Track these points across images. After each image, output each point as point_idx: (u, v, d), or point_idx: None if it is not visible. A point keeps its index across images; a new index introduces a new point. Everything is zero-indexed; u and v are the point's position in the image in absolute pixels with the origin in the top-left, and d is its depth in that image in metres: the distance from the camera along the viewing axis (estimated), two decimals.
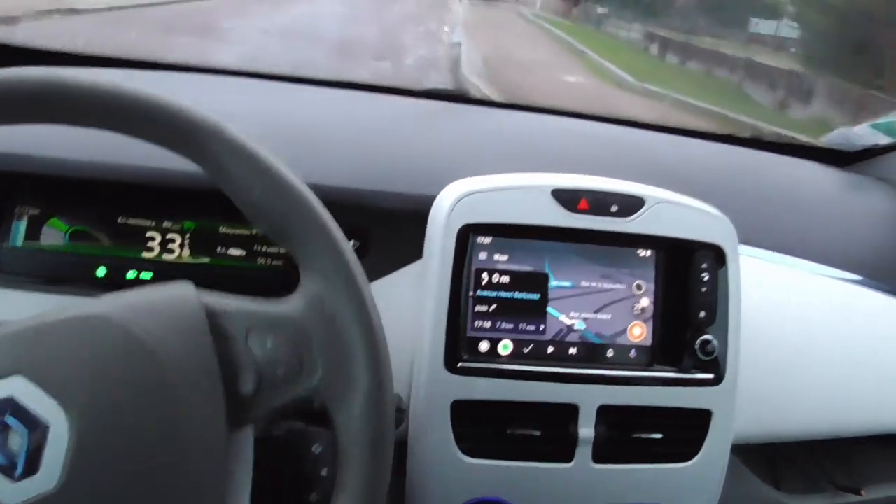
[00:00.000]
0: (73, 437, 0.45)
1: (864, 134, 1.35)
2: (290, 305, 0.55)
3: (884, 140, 1.30)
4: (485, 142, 1.09)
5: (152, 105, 0.54)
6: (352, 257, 0.56)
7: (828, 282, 0.99)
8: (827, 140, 1.41)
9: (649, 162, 1.13)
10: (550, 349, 0.80)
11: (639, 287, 0.83)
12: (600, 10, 14.88)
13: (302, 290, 0.56)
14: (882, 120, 1.33)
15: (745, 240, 0.87)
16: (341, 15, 9.75)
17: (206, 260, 0.84)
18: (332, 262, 0.55)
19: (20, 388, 0.46)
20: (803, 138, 1.43)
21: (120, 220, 0.82)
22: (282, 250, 0.84)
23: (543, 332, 0.80)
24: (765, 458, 1.08)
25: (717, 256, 0.83)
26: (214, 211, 0.83)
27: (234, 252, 0.84)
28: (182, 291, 0.54)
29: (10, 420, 0.45)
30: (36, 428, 0.45)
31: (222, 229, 0.84)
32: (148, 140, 0.55)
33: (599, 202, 0.80)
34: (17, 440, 0.45)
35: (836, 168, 1.34)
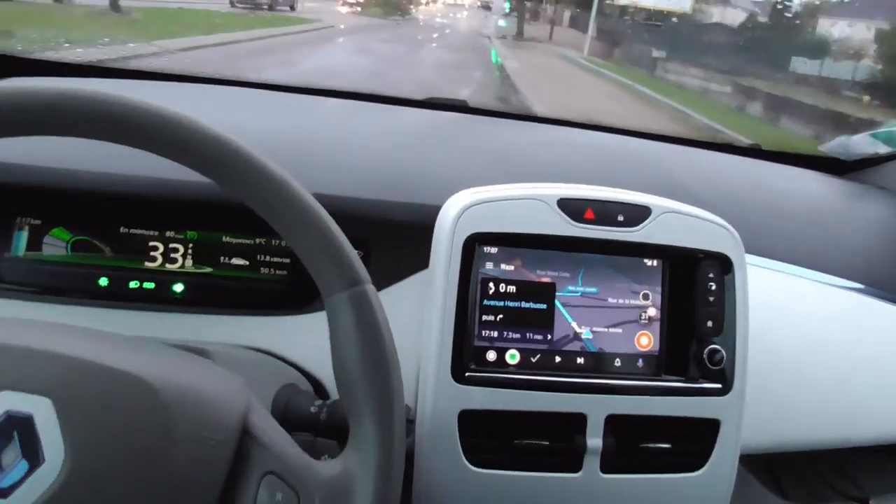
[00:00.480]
0: (56, 484, 0.43)
1: (863, 143, 1.35)
2: (320, 468, 0.53)
3: (883, 149, 1.31)
4: (489, 152, 1.09)
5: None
6: (400, 459, 0.55)
7: (831, 290, 1.00)
8: (826, 149, 1.41)
9: (652, 171, 1.13)
10: (558, 359, 0.80)
11: (646, 296, 0.82)
12: (656, 52, 13.65)
13: (340, 459, 0.55)
14: (881, 129, 1.34)
15: (748, 249, 0.87)
16: (364, 69, 8.69)
17: (208, 270, 0.83)
18: (378, 453, 0.54)
19: (43, 412, 0.45)
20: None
21: (122, 230, 0.82)
22: (285, 260, 0.84)
23: (550, 341, 0.80)
24: (767, 467, 1.08)
25: (723, 266, 0.83)
26: (217, 221, 0.83)
27: (238, 262, 0.84)
28: (233, 398, 0.52)
29: (15, 437, 0.44)
30: (31, 458, 0.44)
31: (225, 239, 0.83)
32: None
33: (605, 212, 0.80)
34: (11, 458, 0.43)
35: (835, 177, 1.34)
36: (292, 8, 16.09)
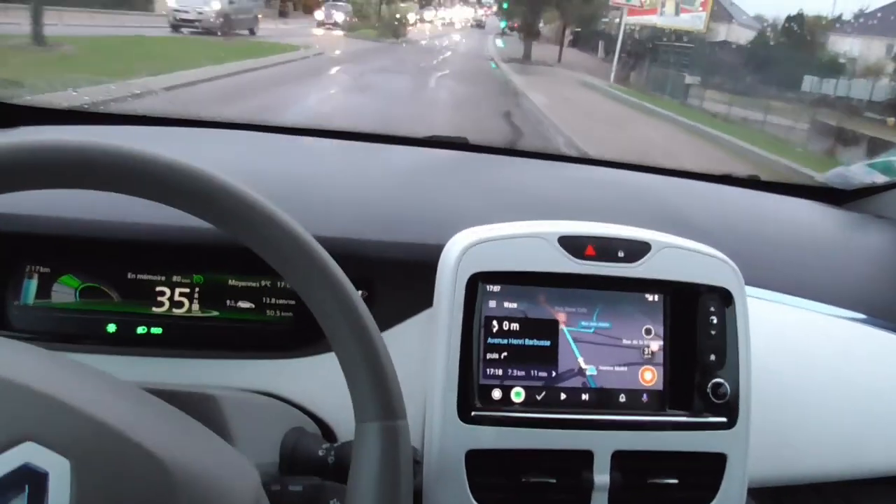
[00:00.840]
0: None
1: (860, 173, 1.37)
2: None
3: (880, 179, 1.32)
4: (489, 189, 1.10)
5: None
6: None
7: (833, 321, 1.00)
8: (824, 179, 1.42)
9: (652, 205, 1.14)
10: (563, 395, 0.80)
11: (648, 331, 0.83)
12: (689, 78, 12.36)
13: None
14: (878, 159, 1.35)
15: (749, 280, 0.87)
16: (369, 112, 7.44)
17: (215, 313, 0.84)
18: None
19: (59, 472, 0.45)
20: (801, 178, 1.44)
21: (129, 275, 0.83)
22: (290, 302, 0.85)
23: (555, 378, 0.80)
24: (776, 500, 1.07)
25: (723, 299, 0.84)
26: (223, 264, 0.84)
27: (244, 305, 0.85)
28: (242, 495, 0.52)
29: (26, 491, 0.44)
30: None
31: (231, 282, 0.84)
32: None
33: (606, 248, 0.81)
34: None
35: (833, 206, 1.35)
36: (252, 32, 13.74)
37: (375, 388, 0.55)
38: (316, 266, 0.55)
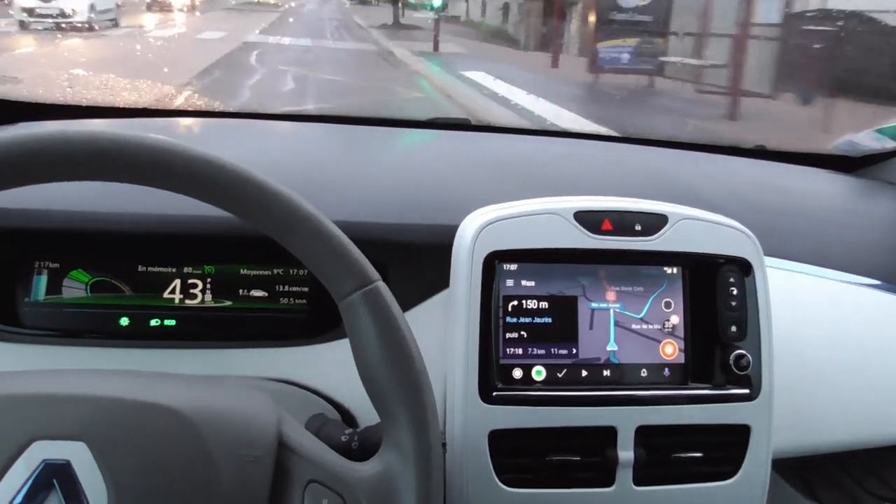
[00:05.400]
0: None
1: (868, 140, 1.35)
2: (361, 470, 0.54)
3: (889, 145, 1.31)
4: (499, 168, 1.09)
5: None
6: (437, 448, 0.55)
7: (851, 289, 0.99)
8: (834, 147, 1.41)
9: (661, 178, 1.13)
10: (584, 372, 0.80)
11: (668, 305, 0.82)
12: None
13: (378, 458, 0.55)
14: (886, 125, 1.34)
15: (766, 251, 0.86)
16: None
17: (228, 303, 0.83)
18: (416, 446, 0.54)
19: (79, 457, 0.45)
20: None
21: (140, 268, 0.82)
22: (304, 289, 0.84)
23: (576, 355, 0.80)
24: (798, 471, 1.07)
25: (742, 269, 0.83)
26: (234, 254, 0.83)
27: (257, 293, 0.84)
28: (264, 414, 0.53)
29: (56, 485, 0.44)
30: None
31: (243, 271, 0.83)
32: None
33: (623, 222, 0.80)
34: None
35: (844, 174, 1.34)
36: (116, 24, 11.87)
37: (342, 262, 0.55)
38: (246, 178, 0.54)
